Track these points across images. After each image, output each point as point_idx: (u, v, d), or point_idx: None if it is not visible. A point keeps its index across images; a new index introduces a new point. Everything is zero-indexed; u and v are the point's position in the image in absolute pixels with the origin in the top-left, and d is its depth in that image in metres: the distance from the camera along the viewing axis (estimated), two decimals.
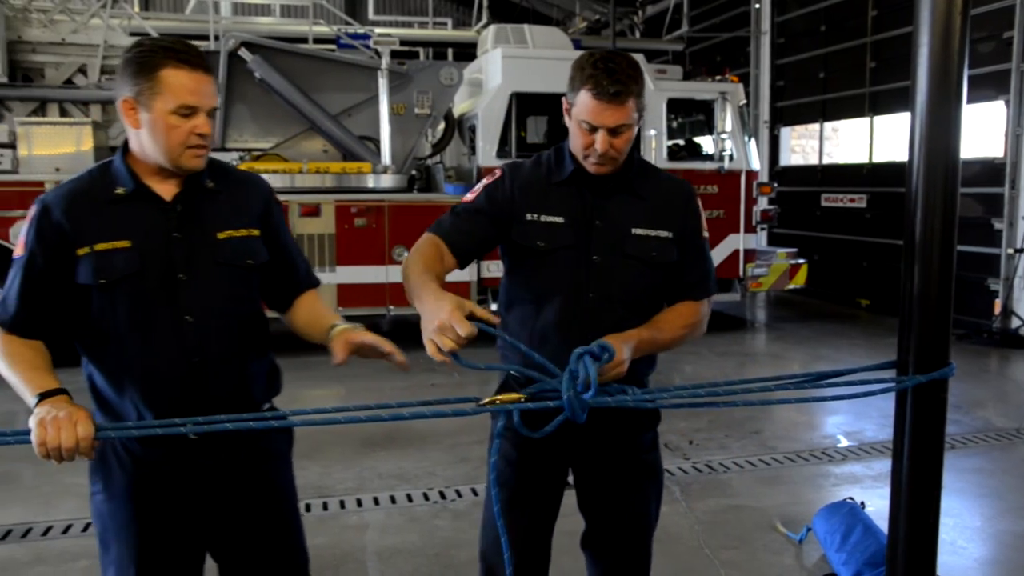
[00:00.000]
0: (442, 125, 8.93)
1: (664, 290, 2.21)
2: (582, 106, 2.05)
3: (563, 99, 2.15)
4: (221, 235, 1.93)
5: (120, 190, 1.87)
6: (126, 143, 1.91)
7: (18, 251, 1.86)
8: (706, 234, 2.27)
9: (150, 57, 1.80)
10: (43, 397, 1.69)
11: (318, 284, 2.19)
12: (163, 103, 1.79)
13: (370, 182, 8.00)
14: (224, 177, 2.00)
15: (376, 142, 8.17)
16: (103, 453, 1.92)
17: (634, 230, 2.14)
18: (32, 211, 1.86)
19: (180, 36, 1.92)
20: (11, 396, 1.86)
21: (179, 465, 1.91)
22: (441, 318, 1.70)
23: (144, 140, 1.84)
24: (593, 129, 2.05)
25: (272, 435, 1.99)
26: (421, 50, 13.78)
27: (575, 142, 2.12)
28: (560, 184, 2.16)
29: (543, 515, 2.30)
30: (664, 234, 2.16)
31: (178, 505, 1.93)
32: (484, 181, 2.22)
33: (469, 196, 2.21)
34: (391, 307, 7.98)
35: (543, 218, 2.13)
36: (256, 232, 1.99)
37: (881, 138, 11.05)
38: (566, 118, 2.16)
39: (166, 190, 1.90)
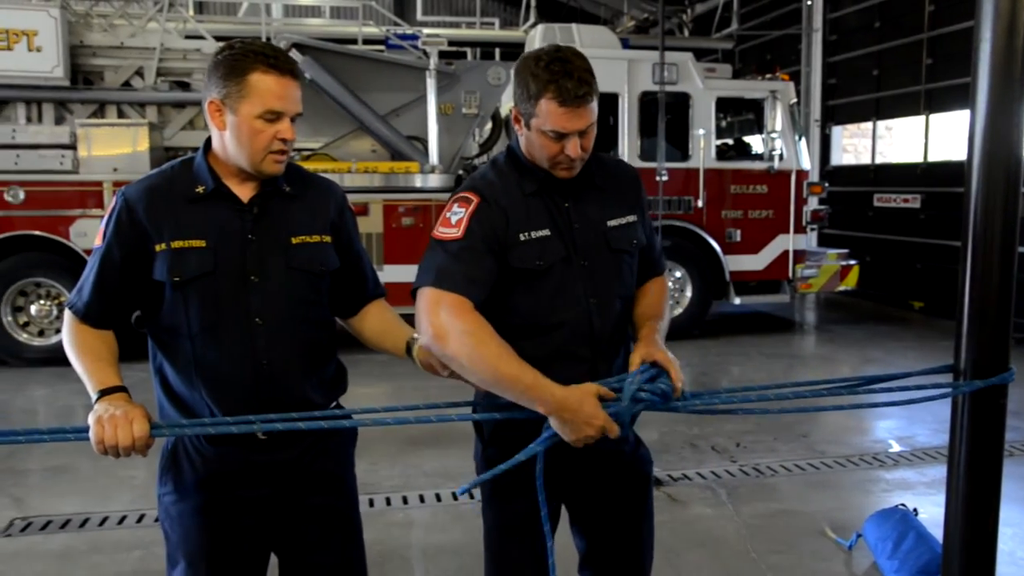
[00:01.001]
0: (489, 125, 8.95)
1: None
2: (546, 116, 1.89)
3: (512, 110, 2.00)
4: (295, 240, 1.94)
5: (200, 188, 1.89)
6: (208, 141, 1.93)
7: (97, 241, 1.89)
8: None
9: (240, 61, 1.81)
10: (103, 394, 1.73)
11: (385, 294, 2.18)
12: (250, 107, 1.81)
13: (418, 182, 8.06)
14: (301, 182, 2.01)
15: (424, 142, 8.23)
16: (175, 453, 1.94)
17: (609, 223, 2.07)
18: (113, 203, 1.89)
19: (233, 38, 1.94)
20: (70, 390, 1.92)
21: (248, 463, 1.92)
22: (599, 422, 1.78)
23: (228, 142, 1.86)
24: (561, 136, 1.91)
25: (338, 432, 2.00)
26: (469, 50, 13.85)
27: (540, 152, 1.97)
28: (532, 195, 2.02)
29: (549, 538, 2.10)
30: (631, 218, 2.12)
31: (247, 503, 1.94)
32: (464, 211, 1.96)
33: (454, 231, 1.95)
34: None
35: (534, 234, 1.98)
36: (328, 239, 2.00)
37: (936, 137, 10.78)
38: (517, 128, 2.00)
39: (244, 192, 1.91)
